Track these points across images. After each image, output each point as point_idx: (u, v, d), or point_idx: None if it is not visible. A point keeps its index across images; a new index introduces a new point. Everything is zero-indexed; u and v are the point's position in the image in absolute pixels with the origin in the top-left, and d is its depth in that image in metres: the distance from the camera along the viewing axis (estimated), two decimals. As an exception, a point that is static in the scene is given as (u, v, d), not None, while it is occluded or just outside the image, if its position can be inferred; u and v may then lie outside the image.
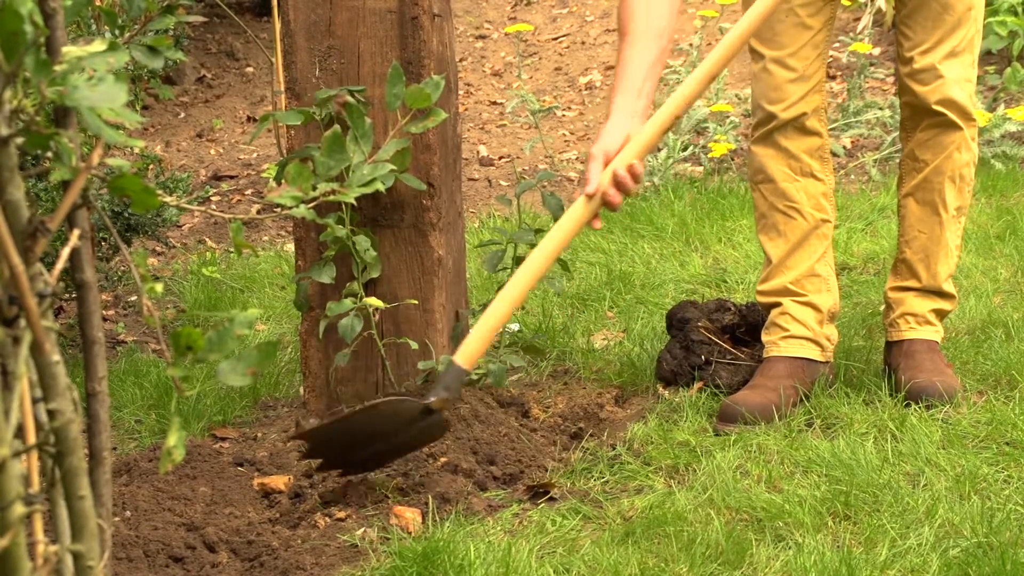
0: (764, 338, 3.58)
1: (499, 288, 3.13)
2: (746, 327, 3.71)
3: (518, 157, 5.97)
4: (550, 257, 3.01)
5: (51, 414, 1.35)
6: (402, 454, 3.15)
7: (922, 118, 3.47)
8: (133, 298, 4.63)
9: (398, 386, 3.40)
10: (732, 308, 3.74)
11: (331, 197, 2.00)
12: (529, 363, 3.76)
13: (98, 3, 4.87)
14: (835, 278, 3.61)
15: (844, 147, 5.74)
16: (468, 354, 3.01)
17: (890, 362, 3.55)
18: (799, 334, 3.52)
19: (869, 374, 3.56)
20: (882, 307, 3.74)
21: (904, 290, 3.59)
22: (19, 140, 1.32)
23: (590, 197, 3.00)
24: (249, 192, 5.87)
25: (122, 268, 4.57)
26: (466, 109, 6.66)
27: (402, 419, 3.03)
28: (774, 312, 3.57)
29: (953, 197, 3.51)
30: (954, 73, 3.43)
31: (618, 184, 3.00)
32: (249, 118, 6.86)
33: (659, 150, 5.74)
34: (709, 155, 5.59)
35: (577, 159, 5.92)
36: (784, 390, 3.40)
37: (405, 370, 3.42)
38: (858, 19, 6.64)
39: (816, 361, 3.52)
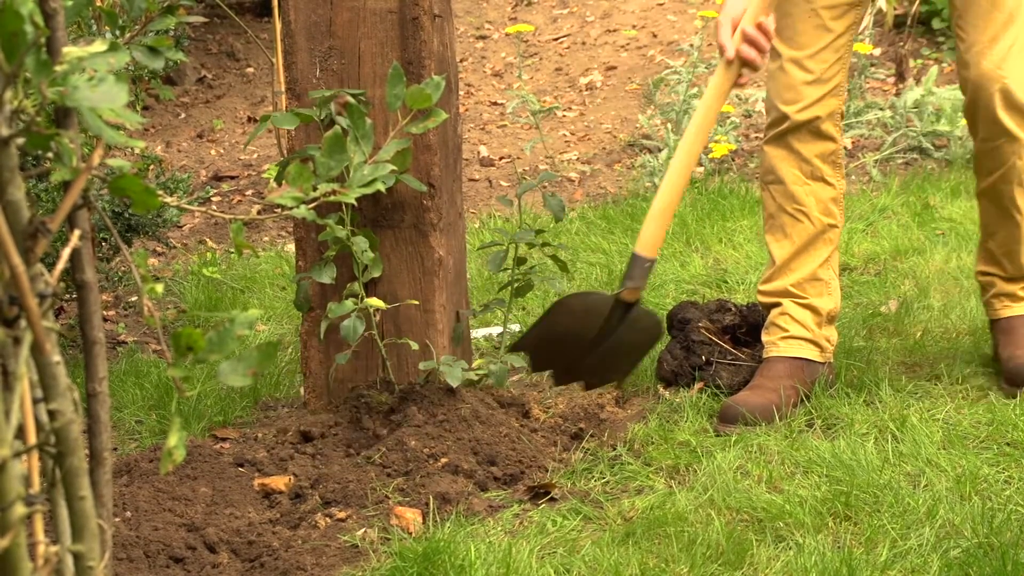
0: (764, 338, 3.59)
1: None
2: (747, 328, 3.70)
3: (519, 157, 5.97)
4: (703, 131, 3.19)
5: (52, 414, 1.35)
6: (632, 358, 3.34)
7: (981, 122, 3.43)
8: (134, 298, 4.63)
9: (398, 385, 3.40)
10: (733, 309, 3.74)
11: (331, 198, 2.00)
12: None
13: (99, 3, 4.87)
14: (837, 280, 3.62)
15: (845, 147, 5.74)
16: (646, 242, 3.23)
17: (993, 340, 3.63)
18: (798, 335, 3.53)
19: (869, 374, 3.56)
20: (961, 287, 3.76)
21: (991, 275, 3.64)
22: (20, 140, 1.32)
23: (729, 62, 3.18)
24: (250, 193, 5.87)
25: (123, 268, 4.57)
26: (467, 110, 6.66)
27: (598, 312, 3.24)
28: (774, 312, 3.58)
29: None
30: (1013, 73, 3.38)
31: (750, 42, 3.15)
32: (250, 119, 6.86)
33: (660, 151, 5.75)
34: (710, 156, 5.59)
35: (577, 159, 5.92)
36: (784, 390, 3.40)
37: (406, 371, 3.42)
38: (859, 19, 6.64)
39: (815, 362, 3.52)
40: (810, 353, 3.52)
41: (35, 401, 1.35)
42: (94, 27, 4.15)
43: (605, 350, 3.27)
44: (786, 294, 3.56)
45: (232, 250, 5.13)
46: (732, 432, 3.29)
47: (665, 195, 3.20)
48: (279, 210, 1.85)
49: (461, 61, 7.25)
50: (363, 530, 2.95)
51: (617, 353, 3.29)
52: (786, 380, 3.45)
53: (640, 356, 3.36)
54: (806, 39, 3.46)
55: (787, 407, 3.38)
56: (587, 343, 3.27)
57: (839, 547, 2.76)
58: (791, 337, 3.53)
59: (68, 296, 4.06)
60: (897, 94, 6.01)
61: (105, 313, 4.51)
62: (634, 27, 7.38)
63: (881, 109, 5.80)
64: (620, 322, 3.24)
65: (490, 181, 5.79)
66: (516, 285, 3.57)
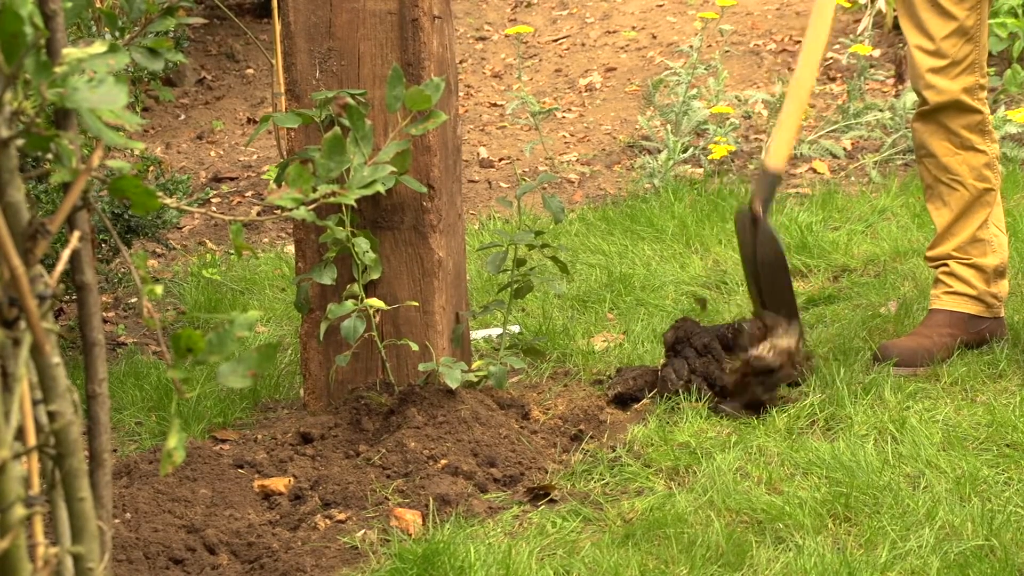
0: (931, 291, 3.78)
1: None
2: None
3: (518, 159, 5.97)
4: (823, 32, 3.44)
5: (51, 416, 1.35)
6: (776, 281, 3.48)
7: None
8: (133, 300, 4.62)
9: (397, 387, 3.40)
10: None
11: (331, 199, 2.00)
12: (529, 365, 3.76)
13: (98, 5, 4.87)
14: (1002, 235, 3.75)
15: (844, 149, 5.75)
16: (776, 156, 3.48)
17: None
18: (961, 291, 3.70)
19: (869, 375, 3.56)
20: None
21: None
22: (19, 142, 1.32)
23: None
24: (249, 194, 5.87)
25: (122, 270, 4.57)
26: (466, 111, 6.66)
27: (746, 226, 3.51)
28: (941, 269, 3.74)
29: None
30: None
31: None
32: (249, 120, 6.85)
33: (659, 151, 5.75)
34: (709, 157, 5.59)
35: (577, 161, 5.92)
36: (939, 337, 3.62)
37: (405, 372, 3.42)
38: (858, 21, 6.64)
39: (979, 316, 3.70)
40: (972, 308, 3.69)
41: (35, 402, 1.35)
42: (94, 28, 4.15)
43: (761, 271, 3.49)
44: (949, 257, 3.72)
45: (232, 251, 5.12)
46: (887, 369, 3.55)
47: (792, 108, 3.44)
48: (279, 211, 1.85)
49: (461, 62, 7.25)
50: (363, 531, 2.95)
51: (766, 274, 3.48)
52: (944, 329, 3.65)
53: (779, 280, 3.48)
54: (932, 27, 3.55)
55: (940, 353, 3.59)
56: (753, 265, 3.51)
57: (839, 548, 2.76)
58: (954, 293, 3.70)
59: (68, 297, 4.06)
60: (896, 95, 6.01)
61: (105, 315, 4.51)
62: (634, 28, 7.38)
63: (880, 110, 5.79)
64: (754, 236, 3.48)
65: (490, 182, 5.78)
66: (516, 286, 3.57)
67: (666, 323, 3.81)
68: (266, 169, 6.05)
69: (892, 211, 4.98)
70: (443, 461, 3.15)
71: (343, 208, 3.31)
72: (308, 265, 3.43)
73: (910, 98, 5.70)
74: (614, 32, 7.41)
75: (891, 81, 6.34)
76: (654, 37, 7.26)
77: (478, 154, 6.11)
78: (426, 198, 3.36)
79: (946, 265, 3.72)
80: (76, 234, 1.42)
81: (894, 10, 6.66)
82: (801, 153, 5.67)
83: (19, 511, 1.25)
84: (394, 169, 3.17)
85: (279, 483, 3.15)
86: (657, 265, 4.56)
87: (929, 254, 3.80)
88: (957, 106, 3.59)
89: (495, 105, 6.76)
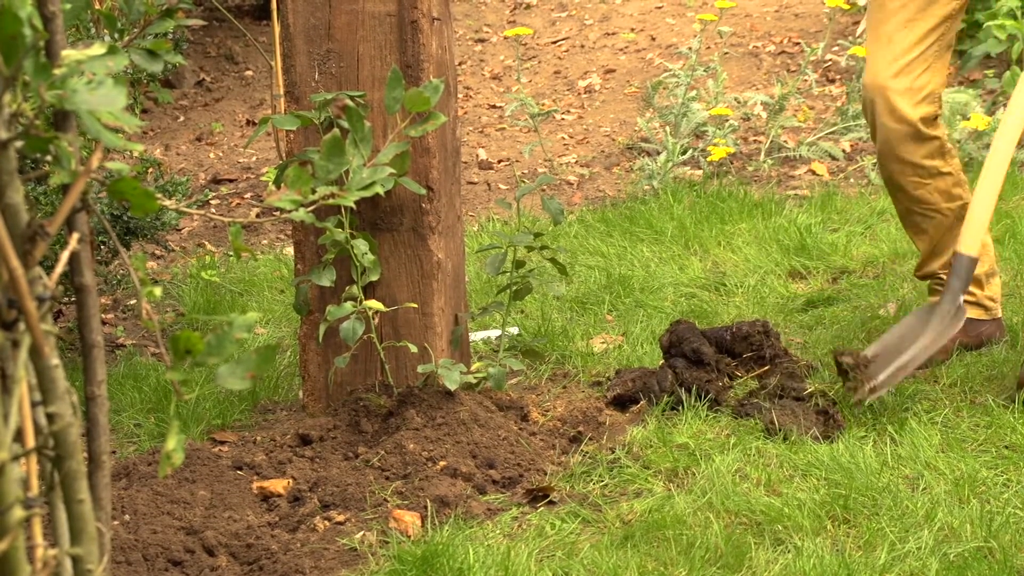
0: (929, 298, 3.76)
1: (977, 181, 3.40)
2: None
3: (517, 160, 5.97)
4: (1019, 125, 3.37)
5: (50, 418, 1.35)
6: (928, 350, 3.41)
7: None
8: (132, 302, 4.62)
9: (396, 389, 3.40)
10: (749, 332, 3.64)
11: (330, 201, 2.00)
12: (528, 367, 3.76)
13: (97, 6, 4.87)
14: (988, 239, 3.72)
15: (843, 150, 5.75)
16: (969, 241, 3.39)
17: None
18: None
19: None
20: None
21: None
22: (19, 144, 1.32)
23: None
24: (248, 196, 5.87)
25: (121, 272, 4.57)
26: (465, 112, 6.65)
27: (924, 320, 3.43)
28: (934, 281, 3.75)
29: None
30: None
31: None
32: (248, 122, 6.85)
33: (658, 153, 5.75)
34: (708, 159, 5.59)
35: (576, 162, 5.92)
36: None
37: (404, 374, 3.42)
38: (857, 23, 6.65)
39: (978, 320, 3.70)
40: (971, 312, 3.66)
41: (34, 404, 1.35)
42: (93, 30, 4.15)
43: (909, 347, 3.41)
44: (939, 273, 3.72)
45: (231, 253, 5.12)
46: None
47: (986, 193, 3.36)
48: (278, 213, 1.85)
49: (460, 64, 7.25)
50: (362, 533, 2.95)
51: (913, 352, 3.41)
52: None
53: (914, 361, 3.42)
54: (898, 45, 3.54)
55: (941, 356, 3.56)
56: (907, 346, 3.41)
57: (837, 550, 2.76)
58: None
59: (67, 299, 4.06)
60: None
61: (104, 316, 4.50)
62: (632, 30, 7.38)
63: (879, 112, 5.79)
64: (937, 319, 3.41)
65: (489, 184, 5.79)
66: (515, 288, 3.57)
67: (665, 325, 3.81)
68: (265, 171, 6.05)
69: (891, 213, 4.97)
70: (442, 463, 3.15)
71: (342, 210, 3.31)
72: (307, 267, 3.43)
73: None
74: (613, 34, 7.41)
75: (890, 83, 6.33)
76: (653, 39, 7.26)
77: (477, 156, 6.11)
78: (425, 200, 3.36)
79: (939, 278, 3.73)
80: (75, 236, 1.42)
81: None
82: (800, 155, 5.67)
83: (18, 513, 1.25)
84: (393, 171, 3.17)
85: (278, 485, 3.15)
86: (656, 267, 4.56)
87: (918, 274, 3.82)
88: (915, 137, 3.56)
89: (494, 107, 6.76)
